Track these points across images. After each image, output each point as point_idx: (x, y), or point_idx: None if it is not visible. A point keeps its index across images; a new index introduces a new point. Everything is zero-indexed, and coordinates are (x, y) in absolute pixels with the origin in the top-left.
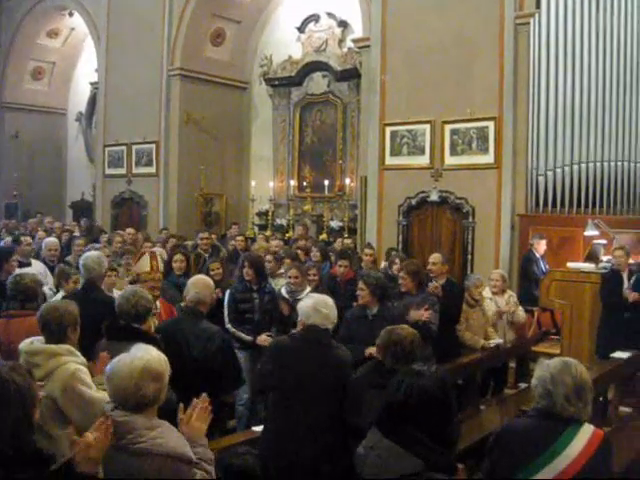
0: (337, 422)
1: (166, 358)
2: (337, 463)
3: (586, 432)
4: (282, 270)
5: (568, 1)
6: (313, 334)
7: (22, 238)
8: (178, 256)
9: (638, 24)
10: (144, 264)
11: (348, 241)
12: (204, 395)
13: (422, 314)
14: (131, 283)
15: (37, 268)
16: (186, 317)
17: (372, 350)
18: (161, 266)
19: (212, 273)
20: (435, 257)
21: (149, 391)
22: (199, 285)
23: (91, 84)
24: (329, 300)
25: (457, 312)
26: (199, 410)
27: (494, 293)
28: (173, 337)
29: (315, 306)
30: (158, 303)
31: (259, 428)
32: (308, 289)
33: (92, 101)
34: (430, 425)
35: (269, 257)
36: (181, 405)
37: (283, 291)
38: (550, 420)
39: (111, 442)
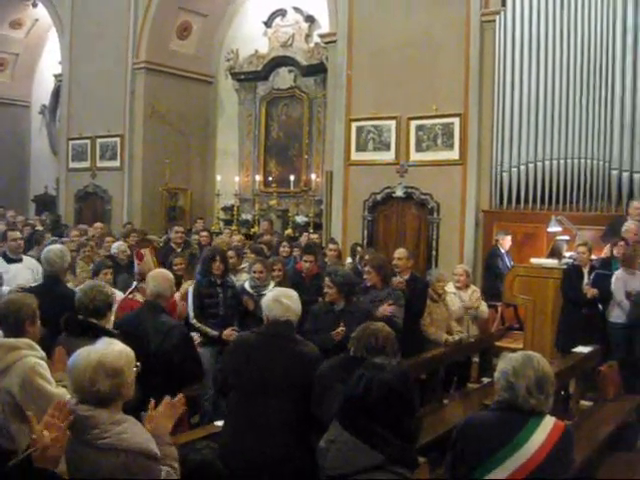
0: (302, 419)
1: (129, 352)
2: (301, 460)
3: (548, 424)
4: (244, 265)
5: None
6: (275, 328)
7: (9, 233)
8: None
9: (602, 23)
10: (149, 262)
11: (314, 236)
12: (180, 396)
13: (385, 309)
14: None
15: (28, 264)
16: (145, 311)
17: (339, 331)
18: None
19: (175, 268)
20: (400, 252)
21: (104, 386)
22: (158, 279)
23: (55, 76)
24: (292, 292)
25: (421, 307)
26: (166, 407)
27: (458, 288)
28: (133, 332)
29: (276, 298)
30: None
31: (221, 423)
32: (272, 284)
33: (56, 93)
34: (390, 418)
35: (231, 252)
36: (152, 402)
37: (247, 286)
38: (512, 413)
39: (72, 437)
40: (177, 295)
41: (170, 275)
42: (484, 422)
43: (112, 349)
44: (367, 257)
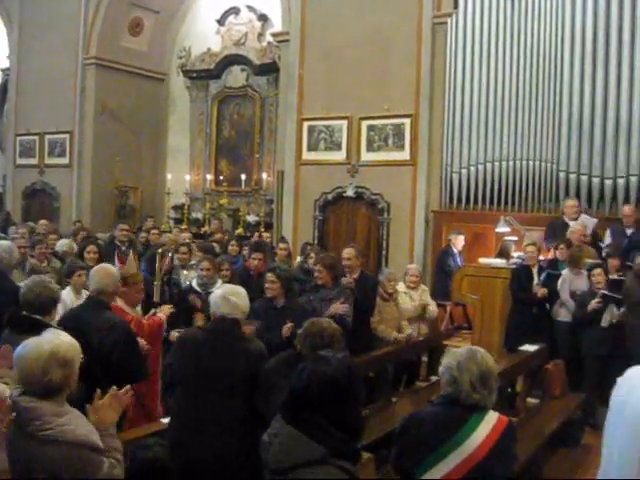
0: (248, 415)
1: (78, 345)
2: (247, 457)
3: (491, 419)
4: (193, 262)
5: (485, 2)
6: (221, 325)
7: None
8: (91, 247)
9: (552, 26)
10: (131, 265)
11: (266, 235)
12: (127, 387)
13: (338, 307)
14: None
15: None
16: (88, 307)
17: (289, 327)
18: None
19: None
20: (349, 252)
21: (56, 376)
22: (100, 274)
23: (2, 70)
24: (240, 289)
25: (371, 305)
26: (111, 399)
27: (409, 287)
28: (75, 328)
29: (224, 295)
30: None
31: (167, 420)
32: (219, 282)
33: (3, 88)
34: (333, 412)
35: (184, 248)
36: (98, 391)
37: (194, 284)
38: (455, 407)
39: (14, 428)
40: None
41: (113, 271)
42: (427, 417)
43: (63, 340)
44: (318, 256)
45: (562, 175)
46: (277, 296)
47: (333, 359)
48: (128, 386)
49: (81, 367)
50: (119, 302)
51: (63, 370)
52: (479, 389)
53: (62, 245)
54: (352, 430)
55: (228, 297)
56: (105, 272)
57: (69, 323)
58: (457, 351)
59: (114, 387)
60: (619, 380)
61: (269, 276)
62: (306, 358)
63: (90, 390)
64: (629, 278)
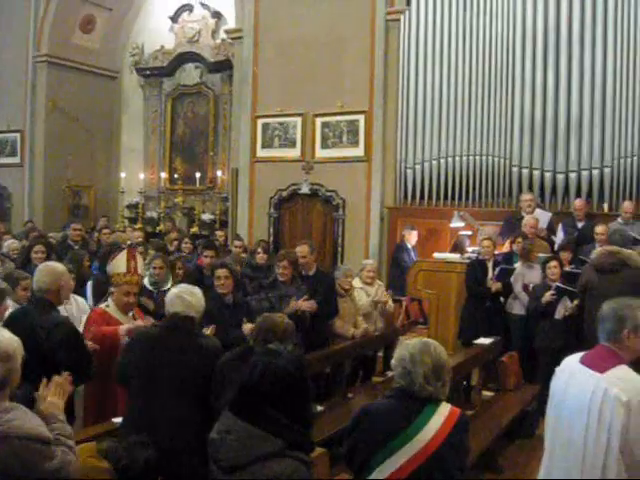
0: (204, 413)
1: (19, 340)
2: (202, 455)
3: (443, 410)
4: (145, 261)
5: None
6: (175, 322)
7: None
8: (38, 247)
9: (504, 23)
10: (119, 264)
11: (220, 233)
12: (66, 374)
13: (301, 304)
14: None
15: None
16: (32, 307)
17: (250, 327)
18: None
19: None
20: (303, 250)
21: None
22: (42, 273)
23: None
24: (195, 289)
25: (334, 301)
26: (55, 386)
27: (366, 283)
28: (20, 328)
29: (179, 294)
30: (134, 313)
31: (118, 419)
32: (170, 281)
33: None
34: (286, 404)
35: (141, 248)
36: (44, 380)
37: (146, 282)
38: (408, 400)
39: None
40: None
41: (58, 269)
42: (380, 410)
43: (3, 334)
44: (284, 252)
45: (515, 170)
46: (228, 292)
47: (285, 352)
48: (67, 373)
49: (23, 365)
50: (111, 307)
51: (5, 365)
52: (433, 382)
53: (8, 246)
54: (305, 421)
55: (183, 296)
56: (46, 270)
57: (11, 322)
58: (410, 343)
59: (55, 375)
60: (557, 370)
61: (222, 272)
62: (258, 352)
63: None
64: (587, 271)
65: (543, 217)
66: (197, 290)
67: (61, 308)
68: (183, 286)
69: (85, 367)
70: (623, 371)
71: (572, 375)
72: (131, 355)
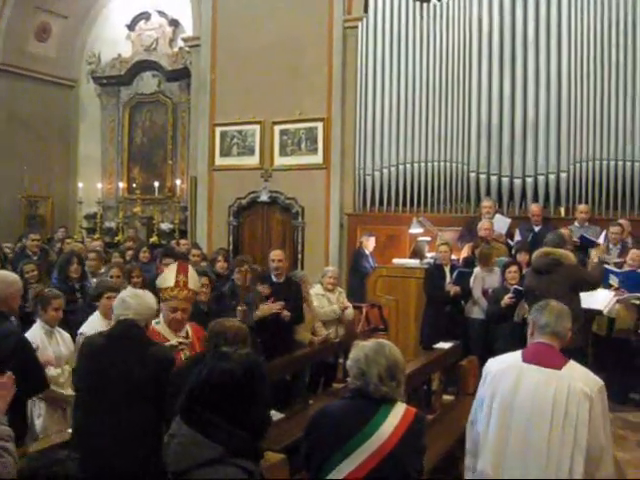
0: (155, 421)
1: None
2: (156, 466)
3: (399, 410)
4: (103, 270)
5: (394, 6)
6: (121, 329)
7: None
8: None
9: (460, 29)
10: (167, 278)
11: (183, 241)
12: (9, 374)
13: (272, 307)
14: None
15: None
16: None
17: None
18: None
19: (27, 276)
20: (279, 254)
21: None
22: None
23: None
24: (141, 293)
25: (300, 307)
26: None
27: (327, 290)
28: None
29: (122, 296)
30: (188, 329)
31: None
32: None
33: None
34: (232, 410)
35: (92, 254)
36: None
37: None
38: (363, 400)
39: None
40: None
41: (8, 278)
42: (335, 411)
43: None
44: (224, 259)
45: (473, 176)
46: (205, 300)
47: (234, 355)
48: (10, 372)
49: None
50: (160, 324)
51: None
52: (387, 382)
53: None
54: (253, 429)
55: (124, 298)
56: None
57: None
58: (365, 345)
59: None
60: (496, 371)
61: (204, 280)
62: (208, 357)
63: None
64: (527, 273)
65: (502, 223)
66: (143, 293)
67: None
68: (129, 289)
69: (36, 378)
70: (576, 365)
71: (521, 374)
72: (79, 365)
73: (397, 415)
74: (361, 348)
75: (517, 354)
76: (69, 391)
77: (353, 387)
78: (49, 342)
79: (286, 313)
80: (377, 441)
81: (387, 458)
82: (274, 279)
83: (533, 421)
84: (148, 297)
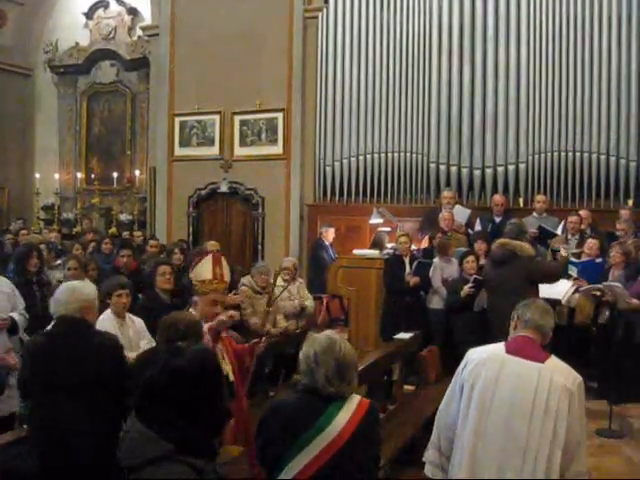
0: (113, 416)
1: None
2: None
3: (352, 403)
4: (59, 262)
5: None
6: (57, 326)
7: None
8: None
9: (420, 21)
10: (203, 270)
11: (138, 233)
12: None
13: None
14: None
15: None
16: None
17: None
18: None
19: None
20: (215, 244)
21: None
22: None
23: None
24: (72, 285)
25: None
26: None
27: (286, 281)
28: None
29: (55, 295)
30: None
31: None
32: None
33: None
34: (184, 406)
35: (43, 246)
36: None
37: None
38: (314, 396)
39: None
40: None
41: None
42: (287, 406)
43: None
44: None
45: (432, 166)
46: (170, 290)
47: (187, 351)
48: None
49: None
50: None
51: None
52: (335, 382)
53: None
54: (209, 424)
55: (55, 296)
56: None
57: None
58: (316, 340)
59: None
60: (478, 360)
61: (166, 269)
62: (162, 351)
63: None
64: (486, 264)
65: (462, 213)
66: (74, 285)
67: (114, 329)
68: (64, 284)
69: None
70: (557, 360)
71: (503, 365)
72: (28, 365)
73: (350, 407)
74: (312, 343)
75: (499, 345)
76: None
77: (303, 383)
78: (121, 331)
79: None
80: (330, 434)
81: (341, 450)
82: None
83: (513, 413)
84: (80, 288)
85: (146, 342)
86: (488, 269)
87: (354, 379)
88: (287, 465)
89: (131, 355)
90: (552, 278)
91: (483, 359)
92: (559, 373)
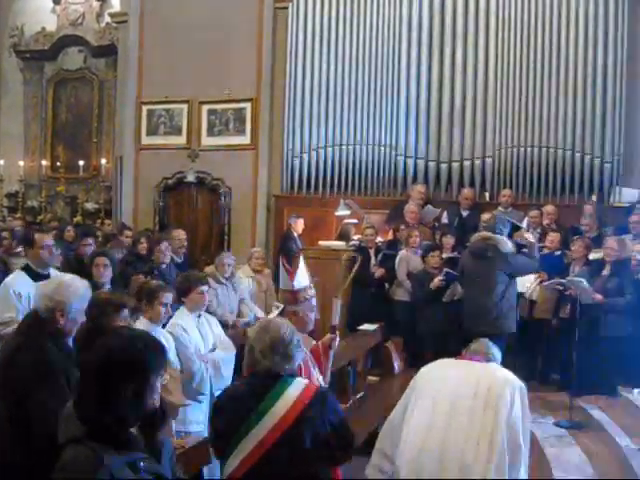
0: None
1: None
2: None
3: (297, 387)
4: (20, 249)
5: None
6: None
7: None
8: None
9: (390, 14)
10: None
11: (107, 221)
12: None
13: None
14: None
15: None
16: None
17: None
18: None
19: None
20: (181, 233)
21: None
22: None
23: None
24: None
25: None
26: None
27: (256, 271)
28: None
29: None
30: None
31: None
32: (51, 269)
33: None
34: (107, 388)
35: (5, 233)
36: None
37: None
38: (257, 379)
39: None
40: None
41: None
42: (234, 393)
43: None
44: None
45: (400, 159)
46: (106, 282)
47: (126, 331)
48: None
49: None
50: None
51: None
52: (269, 356)
53: None
54: (124, 415)
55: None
56: None
57: None
58: (256, 324)
59: None
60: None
61: (102, 260)
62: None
63: None
64: (463, 256)
65: (431, 213)
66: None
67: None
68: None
69: None
70: (499, 366)
71: (448, 367)
72: None
73: (294, 392)
74: (253, 328)
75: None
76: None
77: (247, 367)
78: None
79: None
80: (273, 418)
81: (285, 435)
82: (177, 260)
83: (454, 411)
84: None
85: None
86: (467, 261)
87: (291, 355)
88: (234, 451)
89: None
90: (529, 271)
91: (430, 366)
92: (500, 377)
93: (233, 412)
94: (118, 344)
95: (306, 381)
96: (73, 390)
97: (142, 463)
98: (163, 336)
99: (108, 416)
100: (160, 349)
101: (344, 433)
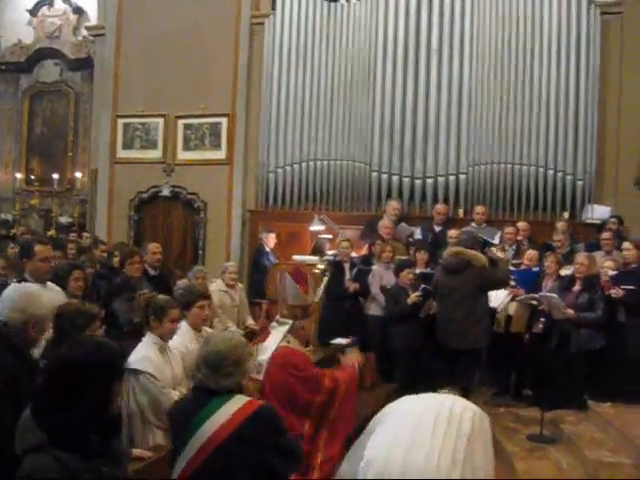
0: None
1: None
2: None
3: (235, 403)
4: None
5: (302, 6)
6: None
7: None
8: None
9: (366, 32)
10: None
11: (85, 234)
12: None
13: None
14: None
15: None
16: None
17: None
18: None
19: None
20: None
21: None
22: None
23: None
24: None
25: None
26: None
27: (229, 285)
28: None
29: None
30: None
31: None
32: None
33: None
34: (66, 397)
35: None
36: None
37: None
38: (197, 392)
39: None
40: None
41: None
42: (180, 406)
43: None
44: (130, 249)
45: (375, 175)
46: (80, 295)
47: (89, 341)
48: None
49: None
50: (292, 343)
51: None
52: (203, 370)
53: None
54: (88, 422)
55: None
56: None
57: None
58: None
59: None
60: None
61: (76, 273)
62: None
63: None
64: (437, 271)
65: (405, 230)
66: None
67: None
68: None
69: None
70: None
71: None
72: None
73: (231, 407)
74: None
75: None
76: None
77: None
78: (164, 360)
79: None
80: (205, 434)
81: (216, 452)
82: (150, 272)
83: (419, 423)
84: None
85: None
86: (440, 277)
87: (229, 372)
88: (176, 465)
89: None
90: (501, 286)
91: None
92: (460, 402)
93: (178, 422)
94: (81, 350)
95: (247, 398)
96: (32, 399)
97: (104, 468)
98: (170, 350)
99: (70, 422)
100: (120, 356)
101: (289, 450)
